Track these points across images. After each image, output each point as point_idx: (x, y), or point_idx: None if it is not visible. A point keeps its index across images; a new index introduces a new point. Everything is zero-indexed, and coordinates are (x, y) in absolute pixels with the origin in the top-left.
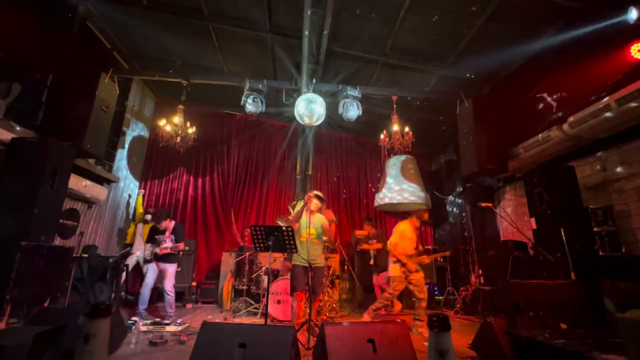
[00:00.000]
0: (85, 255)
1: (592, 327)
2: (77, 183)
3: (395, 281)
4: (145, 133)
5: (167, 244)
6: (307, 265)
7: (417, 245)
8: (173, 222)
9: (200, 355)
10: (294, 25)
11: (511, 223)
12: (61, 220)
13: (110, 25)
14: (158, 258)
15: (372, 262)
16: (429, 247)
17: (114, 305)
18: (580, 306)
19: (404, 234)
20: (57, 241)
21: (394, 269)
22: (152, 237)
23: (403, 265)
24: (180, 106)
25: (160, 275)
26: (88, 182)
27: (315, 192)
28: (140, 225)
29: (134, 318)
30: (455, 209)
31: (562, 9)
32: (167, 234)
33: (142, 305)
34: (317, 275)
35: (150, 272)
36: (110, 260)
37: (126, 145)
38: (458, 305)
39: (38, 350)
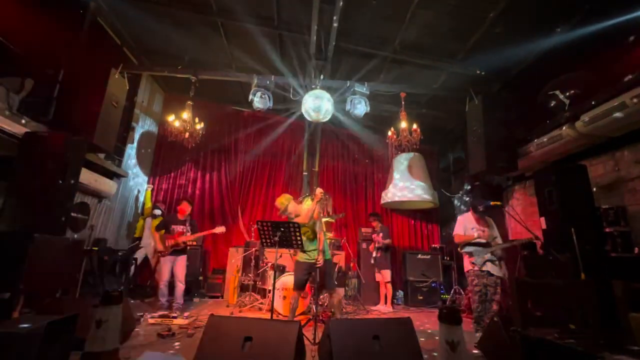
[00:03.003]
0: (96, 249)
1: (602, 328)
2: (87, 177)
3: (469, 276)
4: (154, 128)
5: (187, 234)
6: (310, 262)
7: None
8: (189, 217)
9: (207, 348)
10: (303, 21)
11: (520, 222)
12: (72, 214)
13: (121, 21)
14: (173, 252)
15: (372, 261)
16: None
17: (123, 297)
18: (590, 306)
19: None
20: (68, 234)
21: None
22: (167, 227)
23: (470, 253)
24: (188, 102)
25: (173, 268)
26: (98, 177)
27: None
28: (148, 220)
29: (172, 313)
30: (462, 207)
31: (576, 3)
32: (187, 225)
33: (163, 297)
34: (323, 269)
35: (165, 266)
36: (120, 253)
37: (135, 141)
38: (464, 304)
39: (50, 340)
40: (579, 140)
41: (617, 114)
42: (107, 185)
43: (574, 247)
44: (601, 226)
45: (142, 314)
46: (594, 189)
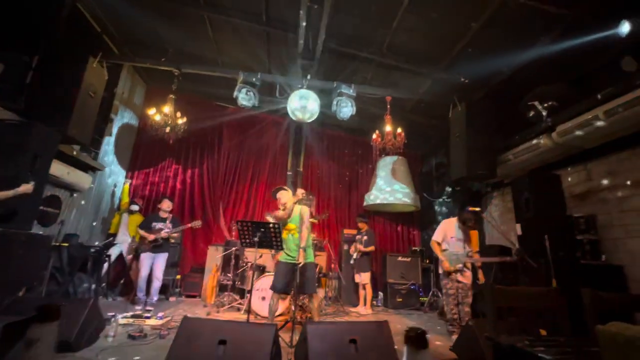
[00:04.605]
0: (66, 244)
1: (572, 335)
2: (59, 169)
3: (443, 279)
4: (134, 121)
5: (167, 230)
6: (291, 262)
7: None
8: (171, 215)
9: (178, 351)
10: (291, 20)
11: (497, 228)
12: (41, 207)
13: (102, 9)
14: (153, 248)
15: (352, 262)
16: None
17: (94, 296)
18: (561, 313)
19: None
20: (37, 229)
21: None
22: (148, 226)
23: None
24: (170, 95)
25: (152, 264)
26: (71, 169)
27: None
28: (125, 216)
29: (138, 307)
30: (443, 211)
31: (557, 18)
32: (168, 222)
33: (141, 292)
34: (304, 271)
35: (145, 262)
36: (92, 250)
37: (114, 133)
38: (441, 307)
39: (7, 342)
40: (554, 150)
41: (591, 127)
42: (81, 178)
43: (547, 253)
44: (573, 234)
45: (113, 313)
46: (567, 198)
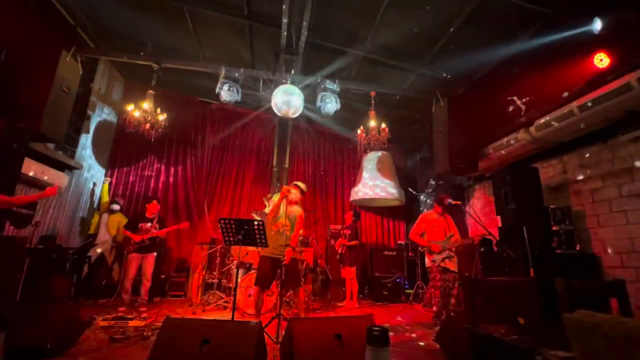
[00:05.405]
0: (41, 247)
1: (546, 323)
2: (33, 168)
3: (431, 272)
4: (113, 118)
5: (154, 230)
6: (277, 257)
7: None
8: (157, 215)
9: (160, 352)
10: (274, 14)
11: (478, 221)
12: (14, 209)
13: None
14: (141, 249)
15: (337, 256)
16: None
17: (72, 299)
18: (536, 302)
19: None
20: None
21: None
22: (135, 226)
23: (431, 252)
24: (150, 91)
25: (141, 265)
26: (46, 168)
27: (298, 183)
28: (105, 215)
29: (121, 308)
30: (427, 205)
31: (534, 15)
32: (155, 222)
33: (127, 295)
34: (290, 267)
35: (133, 263)
36: (70, 251)
37: (91, 130)
38: (426, 299)
39: None
40: (532, 144)
41: (566, 121)
42: (56, 177)
43: (525, 244)
44: (549, 225)
45: (93, 316)
46: (544, 190)
